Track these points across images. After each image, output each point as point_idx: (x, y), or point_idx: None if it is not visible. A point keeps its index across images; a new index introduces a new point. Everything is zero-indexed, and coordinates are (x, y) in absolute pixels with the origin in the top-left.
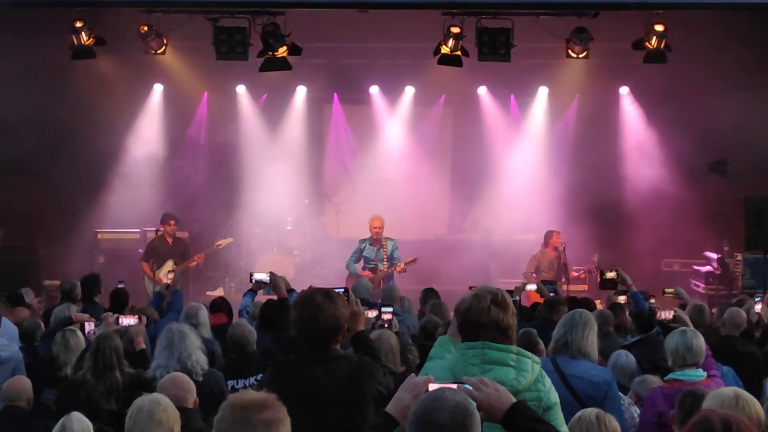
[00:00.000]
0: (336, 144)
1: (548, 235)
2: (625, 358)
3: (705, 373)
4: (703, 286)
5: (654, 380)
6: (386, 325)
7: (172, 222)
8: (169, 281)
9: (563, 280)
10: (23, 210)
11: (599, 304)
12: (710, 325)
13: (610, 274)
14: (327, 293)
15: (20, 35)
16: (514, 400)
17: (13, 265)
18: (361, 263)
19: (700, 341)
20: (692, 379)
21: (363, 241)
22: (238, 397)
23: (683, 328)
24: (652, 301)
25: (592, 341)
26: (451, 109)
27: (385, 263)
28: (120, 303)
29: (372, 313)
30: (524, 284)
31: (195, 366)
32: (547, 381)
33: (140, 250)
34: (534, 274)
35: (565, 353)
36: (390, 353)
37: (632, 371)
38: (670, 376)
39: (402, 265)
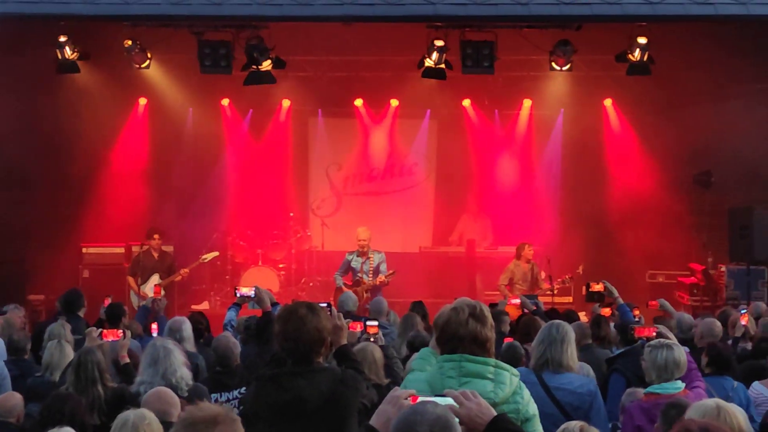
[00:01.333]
0: (321, 157)
1: (520, 248)
2: (581, 369)
3: (683, 385)
4: (688, 297)
5: (642, 393)
6: (372, 339)
7: (156, 236)
8: (154, 295)
9: (536, 292)
10: (7, 224)
11: (583, 316)
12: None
13: (597, 287)
14: (310, 306)
15: (4, 50)
16: (495, 413)
17: None
18: (350, 275)
19: (680, 355)
20: (670, 391)
21: (351, 253)
22: (190, 413)
23: (662, 341)
24: (636, 312)
25: (571, 353)
26: (436, 121)
27: (370, 276)
28: (116, 317)
29: (357, 327)
30: (507, 297)
31: (180, 382)
32: (526, 393)
33: (125, 264)
34: (508, 287)
35: (548, 369)
36: (373, 365)
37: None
38: (648, 389)
39: (382, 278)
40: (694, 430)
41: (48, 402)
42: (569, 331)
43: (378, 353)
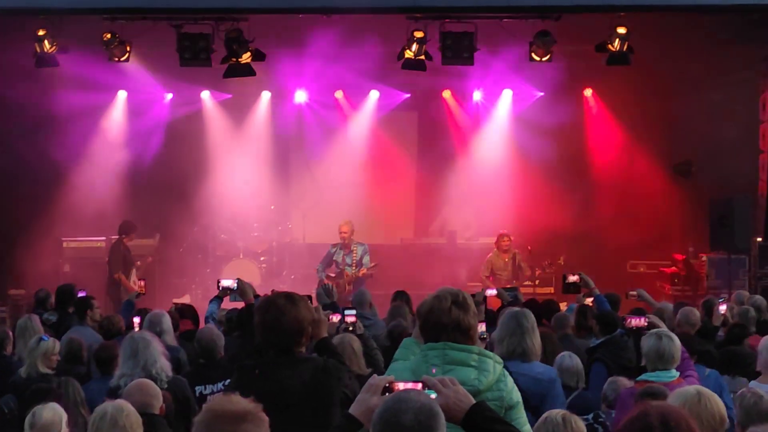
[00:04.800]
0: (301, 149)
1: (499, 239)
2: (569, 359)
3: (677, 374)
4: (669, 287)
5: (624, 381)
6: (350, 329)
7: (133, 235)
8: (140, 289)
9: (515, 282)
10: None
11: (563, 307)
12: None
13: (573, 278)
14: (289, 296)
15: None
16: (473, 401)
17: None
18: (333, 267)
19: (673, 345)
20: (664, 380)
21: (334, 245)
22: (219, 404)
23: (659, 331)
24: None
25: (538, 342)
26: (416, 112)
27: (353, 268)
28: (82, 310)
29: (336, 317)
30: (484, 289)
31: (160, 373)
32: (509, 380)
33: (106, 258)
34: (490, 278)
35: (516, 358)
36: (353, 356)
37: (578, 371)
38: (643, 376)
39: (365, 270)
40: (653, 416)
41: (28, 395)
42: (534, 319)
43: (356, 344)
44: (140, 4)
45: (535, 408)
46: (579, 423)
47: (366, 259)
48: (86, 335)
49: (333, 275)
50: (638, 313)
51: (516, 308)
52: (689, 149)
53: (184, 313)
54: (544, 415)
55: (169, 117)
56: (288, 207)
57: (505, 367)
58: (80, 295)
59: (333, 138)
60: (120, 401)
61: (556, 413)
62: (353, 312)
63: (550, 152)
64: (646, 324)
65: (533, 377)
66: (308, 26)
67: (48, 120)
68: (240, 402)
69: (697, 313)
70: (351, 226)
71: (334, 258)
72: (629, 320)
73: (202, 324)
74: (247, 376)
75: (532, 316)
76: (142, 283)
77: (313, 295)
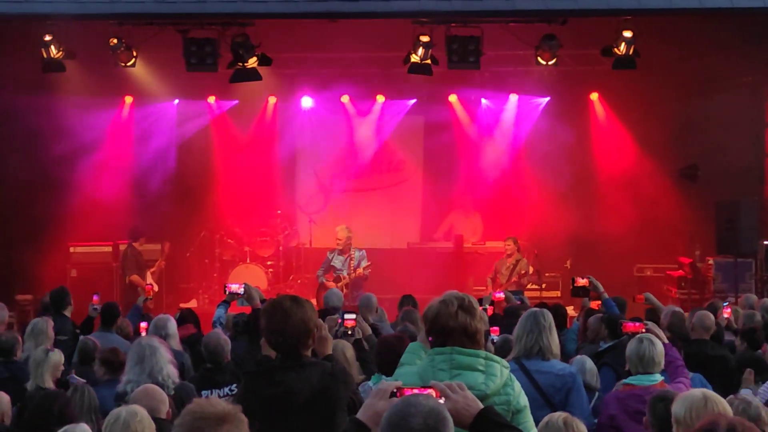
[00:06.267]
0: (307, 154)
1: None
2: (590, 362)
3: (660, 378)
4: (676, 290)
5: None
6: (349, 332)
7: (142, 240)
8: (148, 294)
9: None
10: None
11: (571, 311)
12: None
13: (582, 282)
14: (295, 299)
15: None
16: (481, 406)
17: None
18: (330, 274)
19: (655, 350)
20: (645, 383)
21: (332, 251)
22: (200, 405)
23: (641, 335)
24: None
25: (556, 341)
26: (422, 117)
27: (351, 272)
28: (112, 318)
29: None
30: (491, 293)
31: (167, 380)
32: (516, 385)
33: (113, 263)
34: (495, 279)
35: (536, 357)
36: (344, 364)
37: (595, 373)
38: (626, 380)
39: (360, 270)
40: (721, 425)
41: (36, 401)
42: (551, 318)
43: (350, 351)
44: (147, 10)
45: (558, 405)
46: (581, 426)
47: (363, 264)
48: (111, 341)
49: (330, 280)
50: (651, 316)
51: (535, 308)
52: (695, 153)
53: (185, 318)
54: (546, 418)
55: (176, 122)
56: (294, 212)
57: (516, 370)
58: (95, 298)
59: (339, 142)
60: (134, 406)
61: (558, 416)
62: (353, 316)
63: (556, 156)
64: (643, 330)
65: (555, 374)
66: (314, 31)
67: (54, 125)
68: (220, 404)
69: (712, 318)
70: (347, 232)
71: (332, 263)
72: (626, 326)
73: (204, 327)
74: (254, 381)
75: (550, 315)
76: (149, 288)
77: (317, 299)
